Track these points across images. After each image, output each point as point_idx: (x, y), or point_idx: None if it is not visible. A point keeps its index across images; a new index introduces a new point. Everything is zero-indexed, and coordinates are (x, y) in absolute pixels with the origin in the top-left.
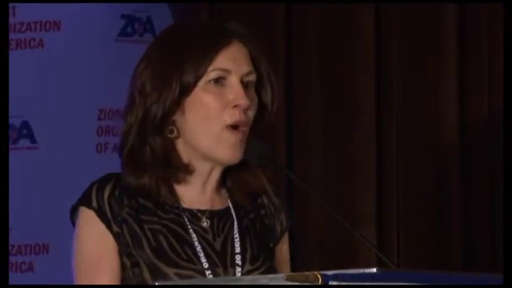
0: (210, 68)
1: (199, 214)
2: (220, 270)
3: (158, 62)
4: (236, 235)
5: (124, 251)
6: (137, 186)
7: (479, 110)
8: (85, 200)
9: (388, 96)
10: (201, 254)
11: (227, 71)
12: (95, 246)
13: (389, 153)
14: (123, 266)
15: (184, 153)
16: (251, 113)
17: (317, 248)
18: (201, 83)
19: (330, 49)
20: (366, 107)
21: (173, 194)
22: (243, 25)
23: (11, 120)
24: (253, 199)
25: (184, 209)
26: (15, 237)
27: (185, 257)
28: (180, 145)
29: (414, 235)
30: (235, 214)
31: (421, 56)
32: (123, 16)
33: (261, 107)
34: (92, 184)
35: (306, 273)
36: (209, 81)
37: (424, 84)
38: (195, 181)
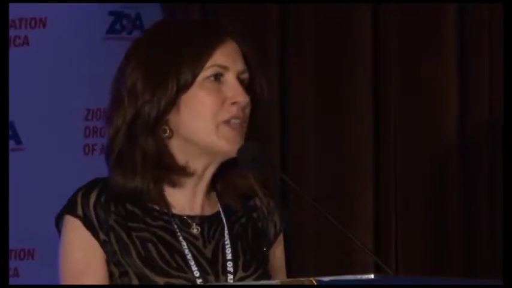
0: (208, 64)
1: (189, 220)
2: (212, 278)
3: (150, 60)
4: (227, 241)
5: (111, 259)
6: (127, 190)
7: (479, 110)
8: (70, 208)
9: (385, 96)
10: (192, 262)
11: (225, 68)
12: (82, 255)
13: (387, 154)
14: (111, 274)
15: (179, 152)
16: (247, 110)
17: (312, 252)
18: (199, 79)
19: (326, 49)
20: (363, 107)
21: (163, 198)
22: (236, 23)
23: None
24: (244, 201)
25: (174, 215)
26: None
27: (175, 266)
28: (174, 144)
29: (412, 238)
30: (226, 219)
31: (419, 56)
32: (111, 13)
33: (253, 105)
34: (77, 190)
35: (301, 279)
36: (207, 77)
37: (422, 84)
38: (188, 183)
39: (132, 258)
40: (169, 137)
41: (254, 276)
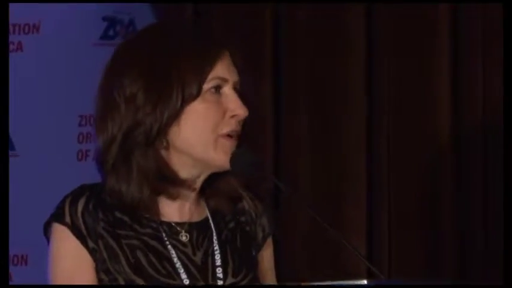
0: (210, 76)
1: (178, 227)
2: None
3: (152, 70)
4: (216, 247)
5: (101, 267)
6: (124, 200)
7: (472, 110)
8: (58, 216)
9: (379, 96)
10: (181, 270)
11: (224, 80)
12: (70, 263)
13: (380, 156)
14: (100, 282)
15: (175, 163)
16: (241, 122)
17: (305, 257)
18: (201, 91)
19: (319, 49)
20: (356, 108)
21: (156, 207)
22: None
23: None
24: (232, 205)
25: (162, 223)
26: None
27: (164, 273)
28: (168, 155)
29: (406, 242)
30: (214, 225)
31: (413, 55)
32: (104, 18)
33: None
34: (65, 198)
35: (293, 284)
36: (208, 89)
37: (416, 84)
38: (179, 191)
39: (121, 266)
40: (166, 149)
41: (244, 282)
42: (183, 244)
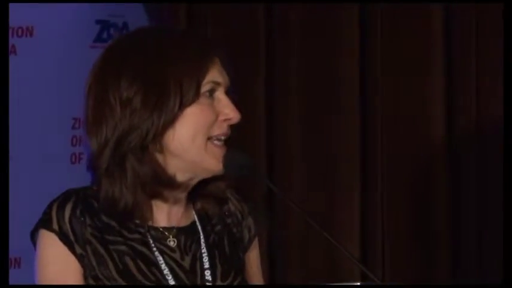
0: (205, 80)
1: (166, 232)
2: None
3: (148, 75)
4: (204, 250)
5: (89, 273)
6: (118, 206)
7: (466, 110)
8: (45, 222)
9: (372, 97)
10: (169, 277)
11: (218, 84)
12: (58, 269)
13: (373, 157)
14: None
15: (170, 167)
16: (231, 127)
17: (298, 260)
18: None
19: (312, 49)
20: (349, 108)
21: (150, 212)
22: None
23: None
24: (218, 206)
25: (150, 228)
26: None
27: (153, 279)
28: (166, 159)
29: (399, 245)
30: (202, 228)
31: (406, 56)
32: (98, 22)
33: None
34: (51, 204)
35: (290, 285)
36: (203, 93)
37: (409, 84)
38: (170, 195)
39: (109, 272)
40: (160, 152)
41: (233, 285)
42: (171, 249)
